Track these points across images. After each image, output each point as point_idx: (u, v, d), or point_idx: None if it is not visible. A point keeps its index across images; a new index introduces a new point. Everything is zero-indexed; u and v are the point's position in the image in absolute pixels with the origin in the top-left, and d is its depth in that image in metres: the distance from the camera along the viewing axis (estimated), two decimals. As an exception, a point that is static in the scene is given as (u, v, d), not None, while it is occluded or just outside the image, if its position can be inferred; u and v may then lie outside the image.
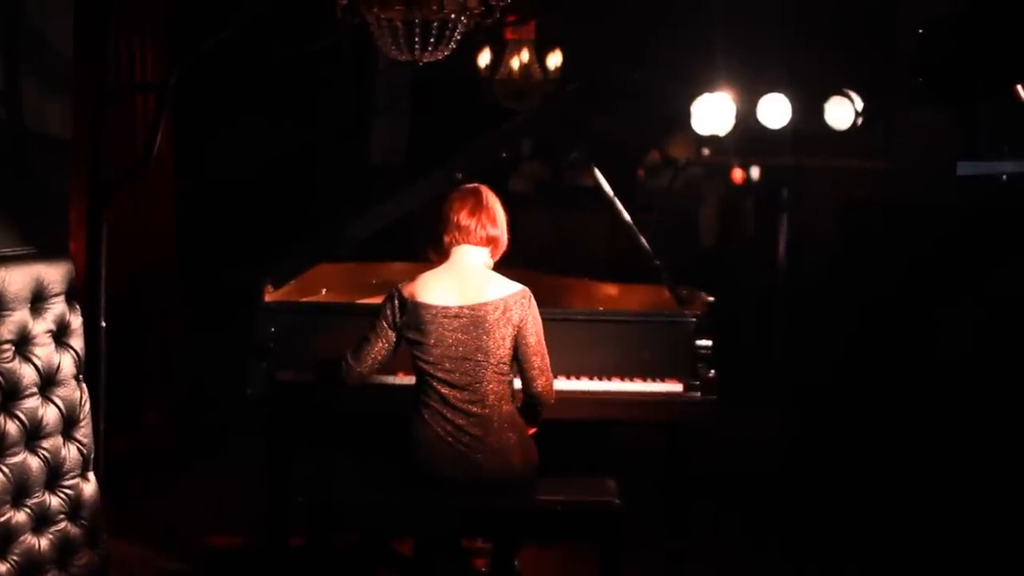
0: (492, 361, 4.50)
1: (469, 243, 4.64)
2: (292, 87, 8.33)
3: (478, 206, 4.67)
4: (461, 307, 4.52)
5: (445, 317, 4.50)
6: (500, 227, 4.70)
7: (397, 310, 4.55)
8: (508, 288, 4.58)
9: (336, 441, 6.24)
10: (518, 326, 4.54)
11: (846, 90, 7.90)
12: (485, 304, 4.52)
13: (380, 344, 4.57)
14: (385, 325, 4.56)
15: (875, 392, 7.15)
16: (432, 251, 4.70)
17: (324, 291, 5.90)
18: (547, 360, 4.61)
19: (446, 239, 4.66)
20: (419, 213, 5.20)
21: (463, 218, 4.64)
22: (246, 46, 6.41)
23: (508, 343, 4.52)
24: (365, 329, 4.60)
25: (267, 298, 5.17)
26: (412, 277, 4.63)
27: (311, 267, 5.53)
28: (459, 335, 4.49)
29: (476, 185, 4.77)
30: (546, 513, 4.56)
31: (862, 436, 7.04)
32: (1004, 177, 6.77)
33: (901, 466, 6.54)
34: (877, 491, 6.44)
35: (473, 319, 4.51)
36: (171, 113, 6.37)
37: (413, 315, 4.52)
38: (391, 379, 5.00)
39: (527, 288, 4.61)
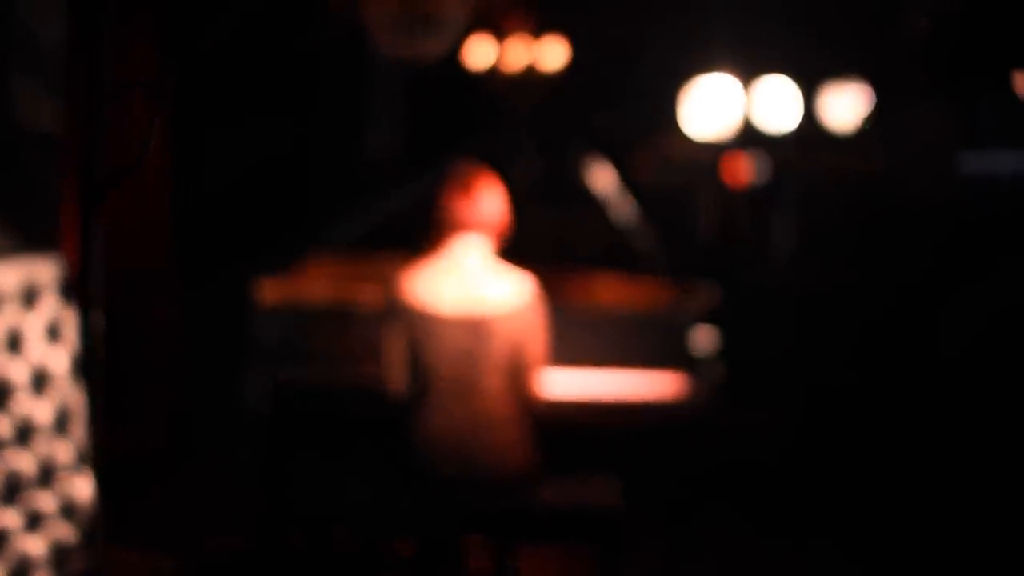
0: (494, 359, 4.39)
1: (470, 233, 4.44)
2: (289, 83, 8.30)
3: (478, 192, 4.44)
4: (465, 311, 4.37)
5: (447, 319, 4.37)
6: (502, 213, 4.47)
7: (397, 315, 4.42)
8: (516, 290, 4.42)
9: (333, 441, 6.20)
10: (524, 331, 4.41)
11: (849, 83, 7.88)
12: (491, 308, 4.37)
13: (398, 355, 4.42)
14: (393, 336, 4.41)
15: (878, 385, 7.13)
16: (429, 243, 4.51)
17: (323, 289, 5.84)
18: (546, 365, 4.51)
19: (444, 229, 4.45)
20: (417, 206, 5.12)
21: (462, 206, 4.42)
22: (242, 42, 6.37)
23: (511, 346, 4.40)
24: (381, 346, 4.49)
25: (266, 297, 5.12)
26: (408, 275, 4.47)
27: (308, 260, 5.48)
28: (461, 334, 4.36)
29: (474, 168, 4.53)
30: (546, 514, 4.51)
31: (865, 428, 7.02)
32: (1010, 175, 6.76)
33: (904, 458, 6.52)
34: (881, 483, 6.42)
35: (477, 322, 4.36)
36: (167, 110, 6.33)
37: (411, 317, 4.40)
38: None
39: (536, 287, 4.47)
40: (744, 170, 9.47)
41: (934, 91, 6.59)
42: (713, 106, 8.25)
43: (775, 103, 8.12)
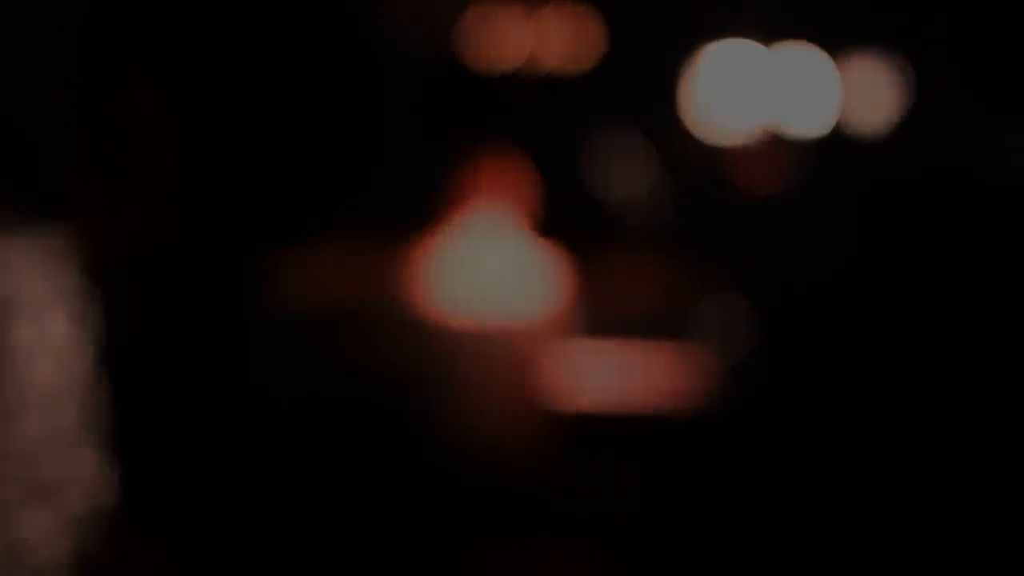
0: (509, 360, 4.39)
1: (492, 213, 4.38)
2: (302, 62, 8.35)
3: (498, 170, 4.40)
4: (480, 315, 4.35)
5: (461, 323, 4.36)
6: (523, 187, 4.40)
7: (411, 316, 4.40)
8: (536, 284, 4.37)
9: (343, 438, 6.25)
10: (541, 333, 4.39)
11: (876, 63, 7.88)
12: (508, 309, 4.35)
13: (411, 355, 4.39)
14: (406, 337, 4.40)
15: (898, 380, 7.14)
16: (447, 226, 4.44)
17: (335, 280, 5.83)
18: (562, 364, 4.49)
19: (464, 211, 4.39)
20: (433, 184, 5.05)
21: (484, 184, 4.38)
22: (255, 20, 6.40)
23: (527, 347, 4.41)
24: (394, 344, 4.48)
25: (278, 291, 5.15)
26: (423, 269, 4.42)
27: (321, 241, 5.48)
28: (476, 338, 4.38)
29: (494, 148, 4.50)
30: (560, 509, 4.54)
31: (886, 425, 7.03)
32: None
33: (932, 457, 6.54)
34: (908, 482, 6.42)
35: (493, 327, 4.36)
36: (179, 92, 6.37)
37: (425, 319, 4.37)
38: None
39: (559, 273, 4.41)
40: (767, 167, 9.39)
41: (966, 75, 6.59)
42: (732, 87, 8.22)
43: (804, 87, 8.09)
